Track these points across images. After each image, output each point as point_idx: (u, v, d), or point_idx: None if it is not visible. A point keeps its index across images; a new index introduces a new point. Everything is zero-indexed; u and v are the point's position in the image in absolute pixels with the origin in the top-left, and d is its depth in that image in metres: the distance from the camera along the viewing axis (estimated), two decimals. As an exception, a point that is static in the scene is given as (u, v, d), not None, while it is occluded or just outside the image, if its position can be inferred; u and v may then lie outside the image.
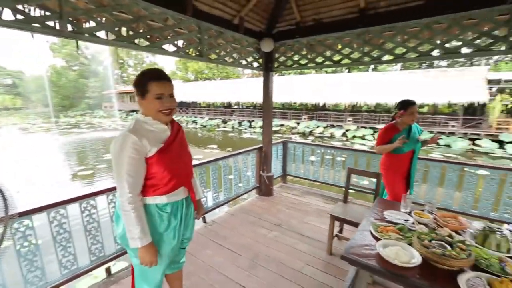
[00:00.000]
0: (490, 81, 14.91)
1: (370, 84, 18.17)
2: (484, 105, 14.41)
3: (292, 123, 19.95)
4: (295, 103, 21.11)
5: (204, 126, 24.86)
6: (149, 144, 1.24)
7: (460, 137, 14.65)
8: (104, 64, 42.62)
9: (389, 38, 2.79)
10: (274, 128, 20.02)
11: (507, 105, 14.69)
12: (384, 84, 17.64)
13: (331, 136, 17.54)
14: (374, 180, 2.55)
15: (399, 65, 24.62)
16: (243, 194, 3.96)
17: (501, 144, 13.52)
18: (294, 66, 3.66)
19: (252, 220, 3.30)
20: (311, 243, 2.75)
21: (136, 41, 2.32)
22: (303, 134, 18.65)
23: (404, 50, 2.76)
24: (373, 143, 15.49)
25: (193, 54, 2.84)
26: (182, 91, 29.48)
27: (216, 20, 2.89)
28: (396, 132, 2.53)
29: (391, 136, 2.54)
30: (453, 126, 15.33)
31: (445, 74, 16.88)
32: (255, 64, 3.78)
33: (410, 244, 1.38)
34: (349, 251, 1.37)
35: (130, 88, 37.69)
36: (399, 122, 2.56)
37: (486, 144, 13.76)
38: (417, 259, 1.25)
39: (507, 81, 15.11)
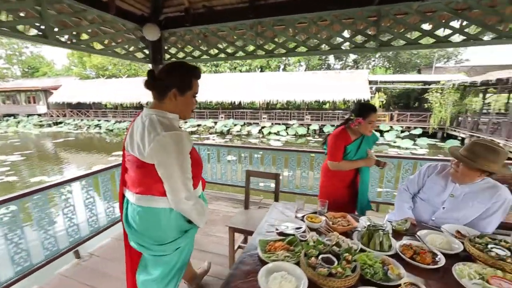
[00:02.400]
0: (370, 82, 18.13)
1: (280, 83, 19.45)
2: (368, 101, 17.41)
3: (209, 122, 19.45)
4: (211, 102, 20.66)
5: (111, 130, 21.66)
6: (189, 142, 1.22)
7: (353, 129, 17.33)
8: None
9: (281, 32, 2.69)
10: (191, 129, 19.16)
11: (382, 101, 18.18)
12: (292, 83, 19.19)
13: (248, 134, 17.94)
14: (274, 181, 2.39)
15: (304, 65, 27.42)
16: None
17: (381, 133, 16.66)
18: (187, 58, 3.22)
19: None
20: (214, 260, 2.41)
21: None
22: (221, 133, 18.44)
23: (295, 44, 2.71)
24: (287, 138, 16.61)
25: (31, 34, 2.04)
26: (80, 90, 24.87)
27: (67, -10, 2.16)
28: (348, 143, 2.08)
29: (343, 145, 2.08)
30: (347, 119, 17.99)
31: (339, 75, 19.63)
32: (140, 55, 3.17)
33: (298, 263, 1.16)
34: (226, 290, 1.05)
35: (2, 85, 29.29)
36: (353, 129, 2.08)
37: (371, 133, 16.68)
38: (303, 286, 1.02)
39: (381, 82, 18.72)
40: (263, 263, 1.20)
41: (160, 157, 1.11)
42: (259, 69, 26.03)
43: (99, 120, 23.90)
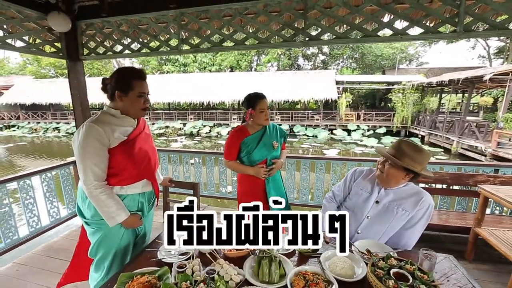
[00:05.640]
0: (337, 82, 18.50)
1: (250, 83, 19.24)
2: (335, 101, 17.76)
3: (178, 124, 18.73)
4: (179, 102, 19.94)
5: (71, 134, 20.07)
6: (112, 136, 1.30)
7: (323, 128, 17.58)
8: None
9: (206, 24, 2.42)
10: (158, 131, 18.35)
11: (349, 101, 18.62)
12: (262, 83, 19.06)
13: (218, 135, 17.52)
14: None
15: (275, 65, 27.52)
16: (52, 227, 2.84)
17: (349, 132, 17.06)
18: (108, 53, 2.84)
19: (55, 266, 2.28)
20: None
21: None
22: (191, 135, 17.85)
23: (221, 38, 2.45)
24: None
25: None
26: (36, 90, 22.84)
27: None
28: (245, 136, 1.98)
29: (238, 142, 1.98)
30: (317, 119, 18.22)
31: (308, 75, 19.85)
32: (50, 49, 2.73)
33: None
34: None
35: None
36: (250, 123, 2.01)
37: (339, 133, 17.02)
38: None
39: (348, 82, 19.20)
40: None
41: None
42: (229, 69, 25.66)
43: (58, 123, 22.14)
